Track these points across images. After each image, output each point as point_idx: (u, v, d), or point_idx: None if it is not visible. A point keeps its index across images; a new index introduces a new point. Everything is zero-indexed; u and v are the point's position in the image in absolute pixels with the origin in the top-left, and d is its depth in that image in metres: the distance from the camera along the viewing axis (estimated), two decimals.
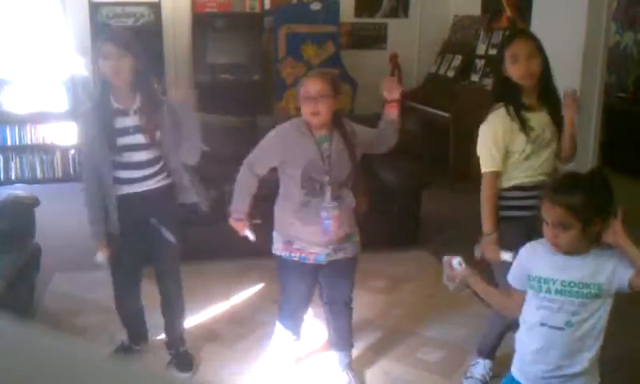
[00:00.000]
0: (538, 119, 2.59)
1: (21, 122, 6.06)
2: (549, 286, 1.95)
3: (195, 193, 2.90)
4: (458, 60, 6.66)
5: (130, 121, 2.71)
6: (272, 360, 3.01)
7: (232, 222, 2.72)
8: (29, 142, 6.13)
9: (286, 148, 2.59)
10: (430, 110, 6.31)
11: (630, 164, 6.27)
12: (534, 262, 2.02)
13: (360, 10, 7.06)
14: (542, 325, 1.97)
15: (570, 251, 1.92)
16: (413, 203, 4.60)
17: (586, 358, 1.95)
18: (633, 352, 3.07)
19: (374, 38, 7.16)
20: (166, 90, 6.07)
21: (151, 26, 6.04)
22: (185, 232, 4.18)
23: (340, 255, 2.69)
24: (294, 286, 2.78)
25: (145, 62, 2.76)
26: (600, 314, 1.93)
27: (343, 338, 2.95)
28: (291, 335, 2.91)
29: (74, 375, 0.49)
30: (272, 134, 2.67)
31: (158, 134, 2.74)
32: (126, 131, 2.71)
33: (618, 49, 7.23)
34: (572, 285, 1.91)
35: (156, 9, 6.07)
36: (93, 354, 0.53)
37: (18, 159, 6.14)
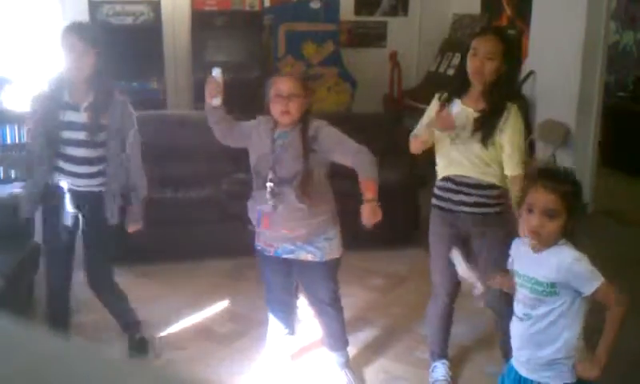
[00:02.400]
0: (466, 116, 2.58)
1: (21, 120, 6.04)
2: (516, 278, 2.07)
3: (111, 210, 2.84)
4: (457, 58, 6.65)
5: (79, 117, 2.74)
6: (269, 355, 3.01)
7: (207, 85, 2.62)
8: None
9: (252, 136, 2.68)
10: None
11: (629, 163, 6.27)
12: (516, 254, 2.13)
13: (360, 8, 7.05)
14: (514, 315, 2.10)
15: (546, 244, 1.96)
16: (411, 202, 4.60)
17: (553, 350, 1.99)
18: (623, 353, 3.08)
19: (373, 37, 7.15)
20: (166, 90, 6.09)
21: (151, 24, 6.03)
22: (184, 232, 4.21)
23: (304, 256, 2.69)
24: (266, 275, 2.87)
25: (106, 59, 2.76)
26: (562, 309, 1.96)
27: (335, 338, 2.94)
28: (283, 327, 2.92)
29: (73, 375, 0.49)
30: (254, 120, 2.75)
31: (102, 135, 2.76)
32: (71, 125, 2.74)
33: (617, 48, 7.23)
34: (529, 280, 2.01)
35: (155, 7, 6.06)
36: (92, 353, 0.53)
37: None
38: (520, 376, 2.09)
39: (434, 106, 2.71)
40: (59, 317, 3.04)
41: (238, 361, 3.11)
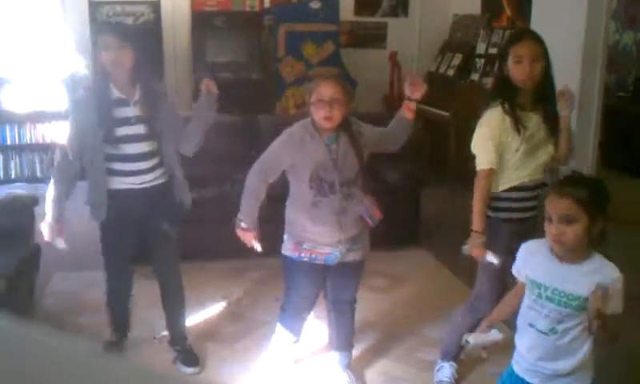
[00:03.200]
0: (532, 119, 2.59)
1: (20, 121, 6.06)
2: (540, 291, 1.97)
3: (184, 195, 2.90)
4: (457, 59, 6.66)
5: (131, 111, 2.73)
6: (271, 360, 3.00)
7: (239, 232, 2.66)
8: (28, 141, 6.12)
9: (297, 150, 2.57)
10: (430, 109, 6.30)
11: (629, 163, 6.27)
12: (529, 262, 2.05)
13: (360, 8, 7.06)
14: (531, 325, 2.01)
15: (572, 254, 1.91)
16: (413, 203, 4.60)
17: (572, 361, 1.96)
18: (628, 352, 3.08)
19: (373, 37, 7.15)
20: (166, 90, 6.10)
21: (151, 25, 6.05)
22: (183, 230, 4.20)
23: (350, 257, 2.69)
24: (300, 288, 2.76)
25: (144, 53, 2.78)
26: (585, 322, 1.93)
27: (345, 338, 2.95)
28: (292, 337, 2.89)
29: (73, 375, 0.49)
30: (282, 138, 2.63)
31: (158, 125, 2.76)
32: (127, 121, 2.71)
33: (617, 48, 7.23)
34: (562, 295, 1.92)
35: (156, 7, 6.07)
36: (92, 354, 0.53)
37: (17, 158, 6.14)
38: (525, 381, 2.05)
39: (494, 120, 2.56)
40: (121, 317, 3.07)
41: (240, 361, 3.11)
